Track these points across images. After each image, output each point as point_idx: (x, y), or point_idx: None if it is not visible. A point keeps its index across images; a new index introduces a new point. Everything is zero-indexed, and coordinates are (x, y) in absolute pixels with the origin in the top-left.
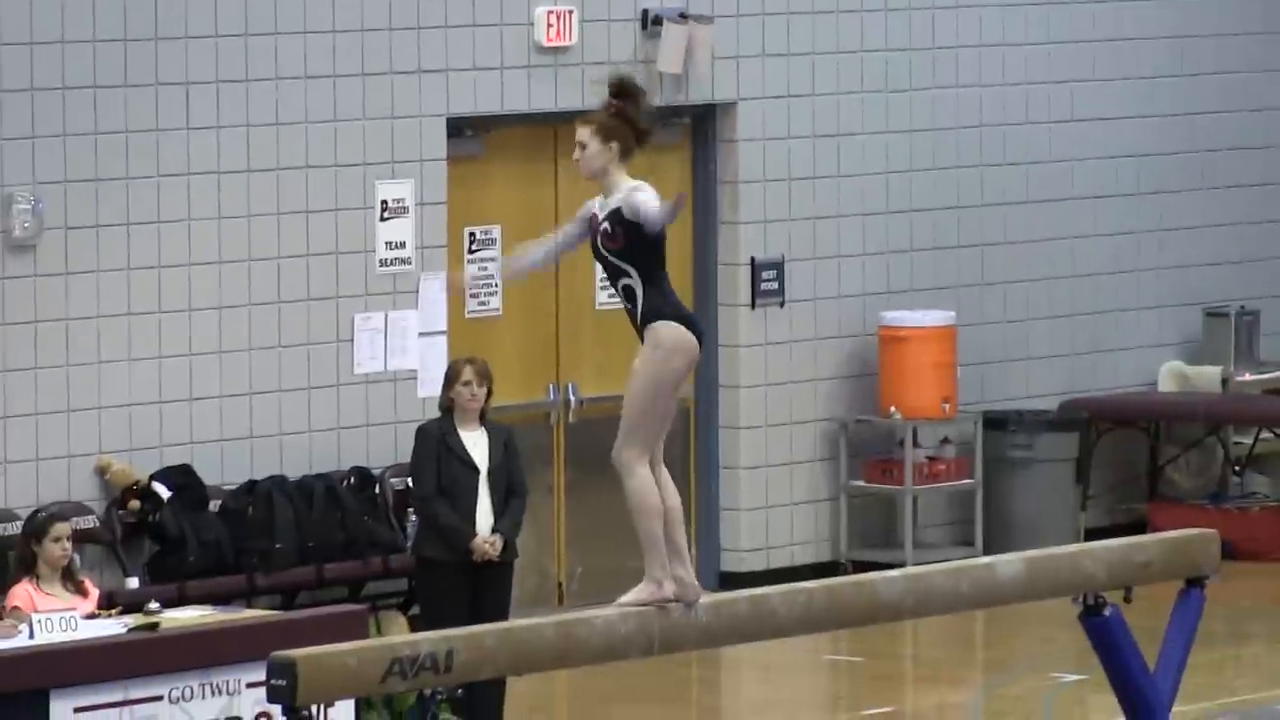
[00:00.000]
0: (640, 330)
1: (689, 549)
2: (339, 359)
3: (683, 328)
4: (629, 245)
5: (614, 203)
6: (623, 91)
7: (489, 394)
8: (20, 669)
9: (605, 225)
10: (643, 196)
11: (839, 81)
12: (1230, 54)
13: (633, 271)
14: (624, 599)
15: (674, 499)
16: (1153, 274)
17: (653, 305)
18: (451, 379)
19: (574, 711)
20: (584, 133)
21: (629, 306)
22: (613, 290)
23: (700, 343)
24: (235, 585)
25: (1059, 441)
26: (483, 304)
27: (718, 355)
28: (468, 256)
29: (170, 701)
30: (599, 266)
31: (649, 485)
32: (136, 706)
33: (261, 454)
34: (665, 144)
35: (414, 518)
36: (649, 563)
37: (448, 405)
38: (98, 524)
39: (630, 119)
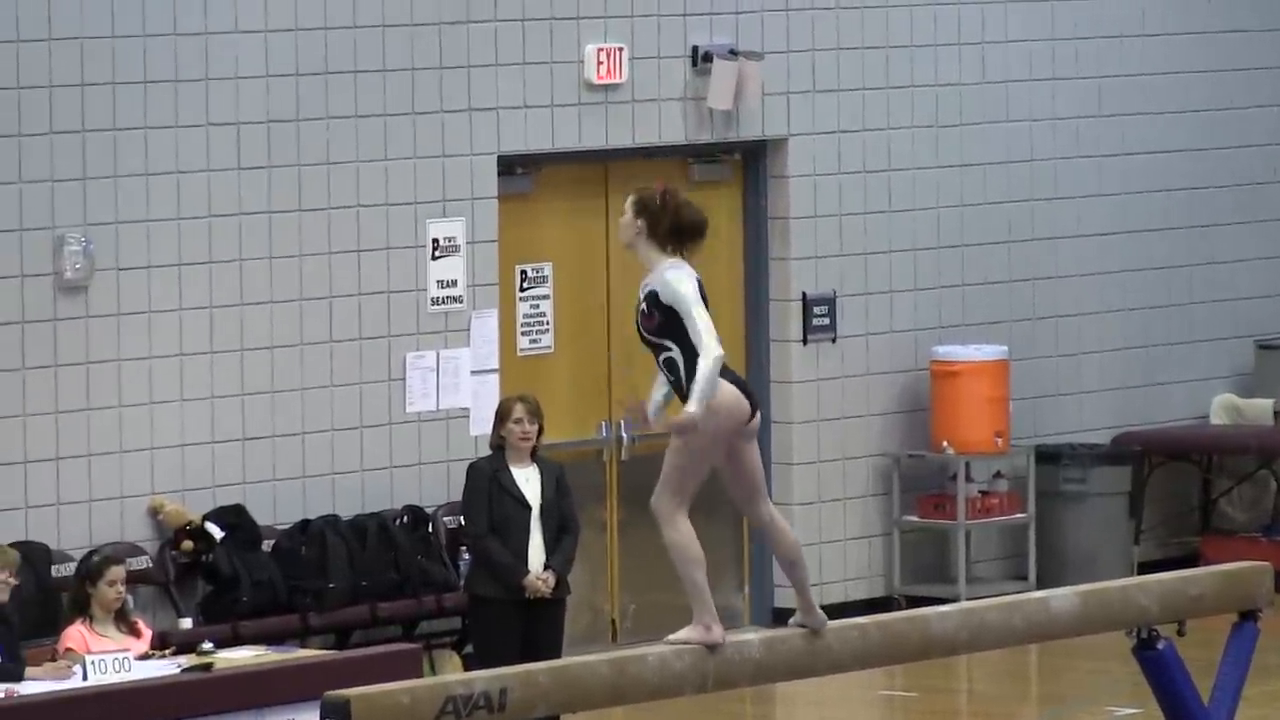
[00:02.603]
0: (686, 397)
1: (744, 586)
2: (391, 398)
3: (731, 386)
4: (666, 323)
5: (648, 283)
6: (669, 192)
7: (540, 431)
8: (74, 711)
9: (643, 306)
10: (671, 276)
11: (889, 117)
12: None
13: (673, 345)
14: (672, 637)
15: (790, 536)
16: (1204, 307)
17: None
18: (503, 417)
19: None
20: (625, 203)
21: (672, 379)
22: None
23: (754, 410)
24: (289, 625)
25: (1112, 475)
26: (534, 342)
27: (770, 391)
28: (519, 294)
29: None
30: None
31: (688, 535)
32: None
33: (314, 493)
34: (716, 181)
35: (467, 556)
36: (696, 609)
37: (499, 444)
38: (151, 565)
39: (672, 208)
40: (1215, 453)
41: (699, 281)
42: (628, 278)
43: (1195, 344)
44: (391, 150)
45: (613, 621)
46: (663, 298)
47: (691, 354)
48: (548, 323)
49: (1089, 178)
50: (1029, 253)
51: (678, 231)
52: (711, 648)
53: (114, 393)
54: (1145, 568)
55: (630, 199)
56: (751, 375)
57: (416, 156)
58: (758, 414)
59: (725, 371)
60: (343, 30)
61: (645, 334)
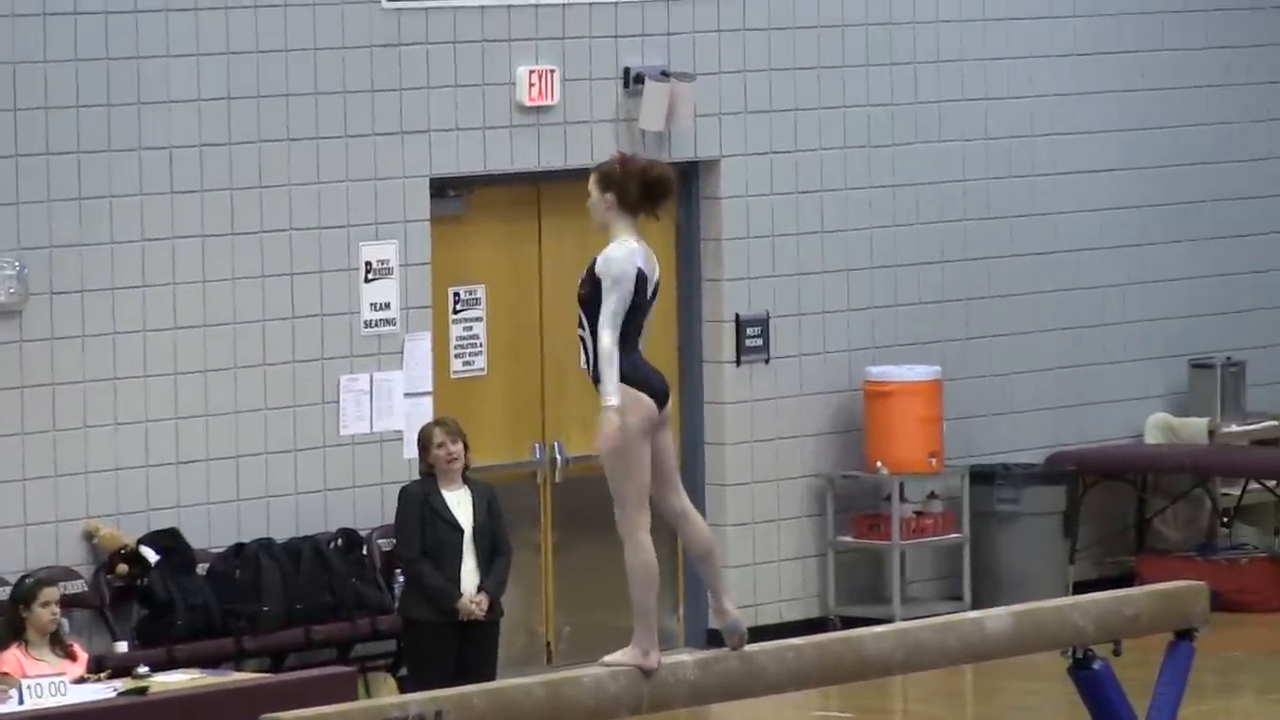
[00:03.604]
0: (595, 379)
1: (679, 608)
2: (325, 421)
3: (630, 390)
4: (592, 297)
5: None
6: (628, 158)
7: (466, 448)
8: None
9: (584, 272)
10: (614, 248)
11: (821, 137)
12: (1214, 105)
13: (586, 324)
14: (608, 659)
15: (703, 529)
16: (1138, 326)
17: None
18: (425, 444)
19: None
20: (589, 182)
21: (583, 359)
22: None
23: (661, 399)
24: (223, 648)
25: (1046, 495)
26: (468, 364)
27: (703, 412)
28: (453, 316)
29: None
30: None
31: (648, 556)
32: None
33: (249, 516)
34: None
35: (401, 578)
36: (638, 631)
37: (428, 471)
38: (86, 588)
39: (635, 171)
40: (1150, 472)
41: (644, 272)
42: (561, 299)
43: (1129, 363)
44: (324, 173)
45: (548, 644)
46: (598, 268)
47: (595, 341)
48: (481, 345)
49: (1021, 197)
50: (962, 273)
51: (648, 191)
52: (647, 673)
53: (48, 417)
54: (1080, 587)
55: (592, 179)
56: (684, 396)
57: (349, 179)
58: (667, 403)
59: (633, 363)
60: (274, 54)
61: (578, 300)
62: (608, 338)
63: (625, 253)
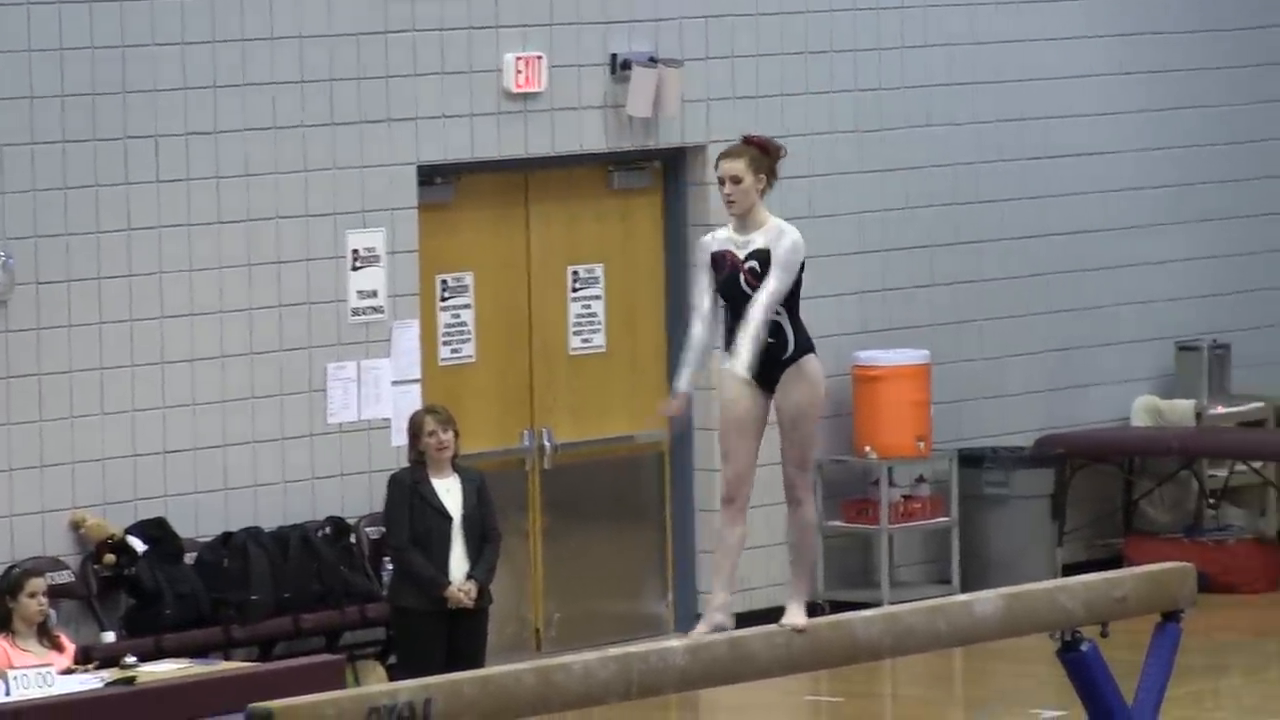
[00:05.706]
0: (779, 364)
1: (668, 594)
2: (312, 409)
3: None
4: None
5: (759, 241)
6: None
7: (456, 436)
8: None
9: (753, 264)
10: (798, 236)
11: (809, 122)
12: (1204, 88)
13: (781, 308)
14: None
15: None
16: (1125, 309)
17: (803, 339)
18: (416, 432)
19: None
20: (736, 166)
21: (772, 342)
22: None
23: None
24: (212, 637)
25: (1034, 478)
26: (455, 351)
27: (695, 398)
28: (440, 304)
29: None
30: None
31: None
32: None
33: (236, 505)
34: (635, 188)
35: (390, 566)
36: (803, 587)
37: (418, 459)
38: (73, 579)
39: (769, 151)
40: (1137, 454)
41: None
42: (549, 286)
43: (1116, 346)
44: (310, 161)
45: (537, 630)
46: (790, 253)
47: (795, 314)
48: (469, 332)
49: (1010, 181)
50: (951, 257)
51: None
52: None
53: (34, 407)
54: (1069, 570)
55: (740, 165)
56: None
57: (335, 167)
58: None
59: (809, 338)
60: (260, 41)
61: (751, 291)
62: (765, 315)
63: (799, 235)
